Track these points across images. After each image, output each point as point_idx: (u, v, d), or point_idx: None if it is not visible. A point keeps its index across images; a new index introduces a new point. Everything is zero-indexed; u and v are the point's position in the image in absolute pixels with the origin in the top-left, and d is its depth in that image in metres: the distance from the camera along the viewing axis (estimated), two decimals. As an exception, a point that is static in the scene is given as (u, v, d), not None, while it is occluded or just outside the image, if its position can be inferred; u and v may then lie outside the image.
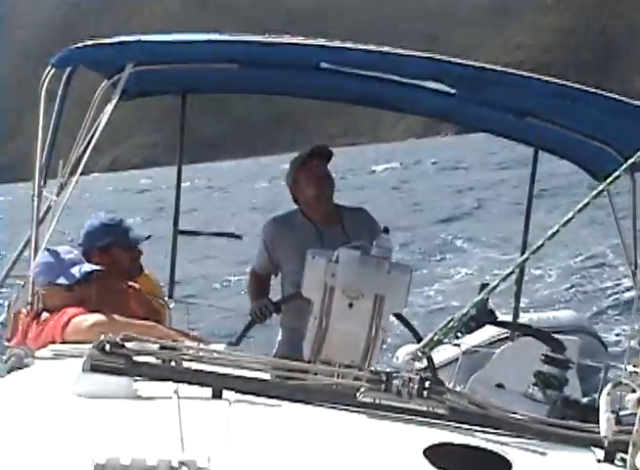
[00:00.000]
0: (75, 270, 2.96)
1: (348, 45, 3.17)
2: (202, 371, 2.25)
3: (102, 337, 2.15)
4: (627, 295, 10.73)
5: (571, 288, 12.56)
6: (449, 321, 2.31)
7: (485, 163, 37.67)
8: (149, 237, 3.49)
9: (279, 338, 3.91)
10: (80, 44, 3.25)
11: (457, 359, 4.03)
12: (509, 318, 4.37)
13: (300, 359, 2.86)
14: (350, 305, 2.87)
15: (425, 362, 2.96)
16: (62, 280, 2.92)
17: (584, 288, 12.71)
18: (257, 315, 3.47)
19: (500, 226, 17.49)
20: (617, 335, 9.61)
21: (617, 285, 11.93)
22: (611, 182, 2.32)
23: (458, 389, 3.26)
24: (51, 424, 1.96)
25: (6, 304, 3.37)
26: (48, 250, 3.01)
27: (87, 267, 2.99)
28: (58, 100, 3.39)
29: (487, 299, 3.12)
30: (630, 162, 2.21)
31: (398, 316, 3.23)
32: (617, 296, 11.56)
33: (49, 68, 3.32)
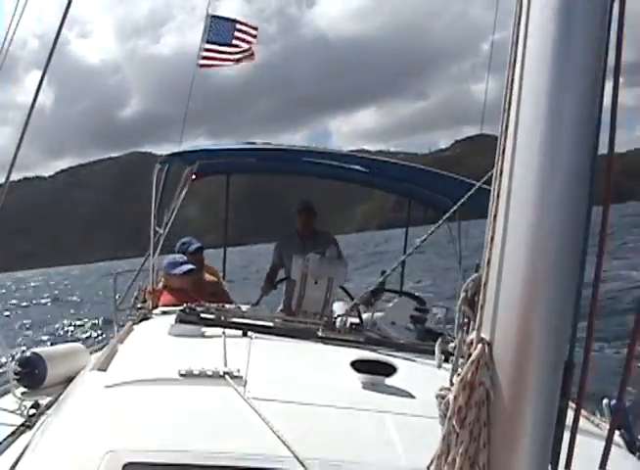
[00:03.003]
0: (182, 268, 4.59)
1: (318, 149, 5.00)
2: (236, 322, 3.08)
3: (184, 305, 3.10)
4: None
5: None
6: (365, 293, 4.03)
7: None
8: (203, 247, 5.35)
9: (283, 298, 5.80)
10: (175, 151, 4.85)
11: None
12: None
13: (290, 310, 4.51)
14: (316, 283, 4.36)
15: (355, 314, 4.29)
16: (175, 271, 4.59)
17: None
18: (263, 292, 5.54)
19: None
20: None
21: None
22: (448, 216, 3.44)
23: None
24: (158, 349, 2.79)
25: (137, 285, 4.84)
26: (169, 256, 4.69)
27: (187, 267, 4.63)
28: (162, 183, 4.80)
29: (384, 282, 4.88)
30: (460, 203, 3.21)
31: (342, 288, 4.90)
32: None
33: (158, 164, 4.73)
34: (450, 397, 1.11)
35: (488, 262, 1.08)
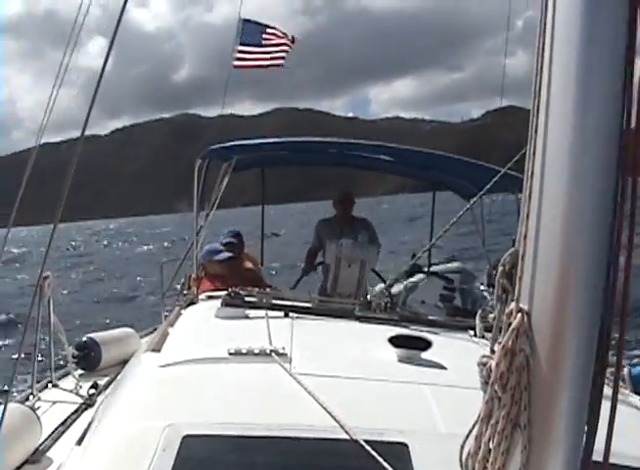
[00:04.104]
0: (222, 255, 4.63)
1: (345, 141, 5.19)
2: (278, 304, 3.21)
3: (229, 290, 3.23)
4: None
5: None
6: (398, 275, 4.12)
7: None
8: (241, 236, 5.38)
9: (321, 281, 5.84)
10: (213, 147, 4.87)
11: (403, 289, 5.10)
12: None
13: (326, 292, 4.57)
14: (349, 266, 4.48)
15: (387, 294, 4.39)
16: (217, 258, 4.62)
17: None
18: (304, 273, 5.56)
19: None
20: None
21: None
22: (474, 202, 3.83)
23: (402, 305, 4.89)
24: (206, 330, 2.90)
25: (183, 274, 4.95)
26: (210, 245, 4.77)
27: (227, 255, 4.67)
28: (203, 176, 4.88)
29: (415, 264, 4.92)
30: (483, 191, 3.64)
31: (373, 270, 5.00)
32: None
33: (199, 160, 4.78)
34: (492, 363, 1.15)
35: (525, 237, 1.12)
